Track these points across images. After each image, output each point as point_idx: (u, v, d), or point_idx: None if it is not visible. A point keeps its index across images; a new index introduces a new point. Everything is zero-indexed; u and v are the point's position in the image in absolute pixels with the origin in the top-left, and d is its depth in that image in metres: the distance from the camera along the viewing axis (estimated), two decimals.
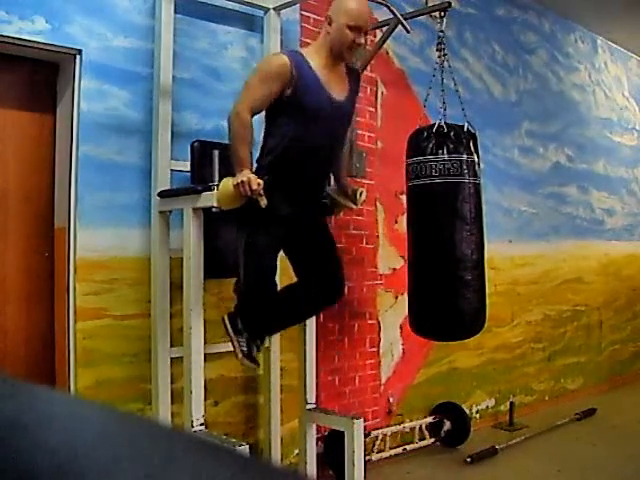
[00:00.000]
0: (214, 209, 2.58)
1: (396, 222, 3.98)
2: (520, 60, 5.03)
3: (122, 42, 2.88)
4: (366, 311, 3.84)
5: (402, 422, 3.94)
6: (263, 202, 2.34)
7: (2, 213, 2.77)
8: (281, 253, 2.70)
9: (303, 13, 3.54)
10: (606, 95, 6.04)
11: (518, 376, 4.82)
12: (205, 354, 2.69)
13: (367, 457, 3.34)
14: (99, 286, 2.79)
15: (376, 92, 3.93)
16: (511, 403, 4.53)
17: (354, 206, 2.87)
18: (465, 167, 2.85)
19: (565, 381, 5.32)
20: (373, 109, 3.89)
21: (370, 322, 3.87)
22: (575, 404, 4.82)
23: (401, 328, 3.98)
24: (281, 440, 3.21)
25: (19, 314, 2.79)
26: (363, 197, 2.82)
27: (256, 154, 2.62)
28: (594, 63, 5.92)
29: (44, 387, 0.40)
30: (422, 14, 3.47)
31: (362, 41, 2.53)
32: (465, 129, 2.91)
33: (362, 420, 2.98)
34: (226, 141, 2.56)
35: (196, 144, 2.94)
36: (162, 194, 2.80)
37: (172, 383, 2.83)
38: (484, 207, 3.02)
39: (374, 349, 3.88)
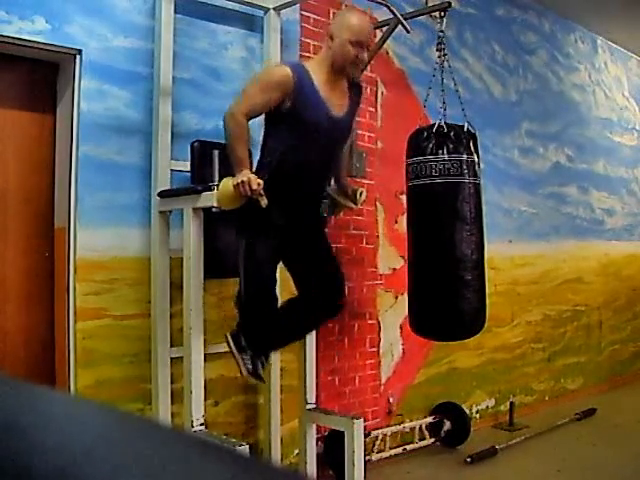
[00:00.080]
0: (214, 209, 2.58)
1: (396, 222, 3.98)
2: (520, 60, 5.03)
3: (122, 42, 2.88)
4: (366, 311, 3.84)
5: (402, 422, 3.94)
6: (263, 202, 2.34)
7: (2, 213, 2.77)
8: (281, 265, 2.70)
9: (303, 13, 3.54)
10: (606, 95, 6.04)
11: (518, 376, 4.82)
12: (205, 354, 2.69)
13: (367, 457, 3.34)
14: (99, 286, 2.79)
15: (376, 92, 3.93)
16: (511, 403, 4.53)
17: (354, 206, 2.87)
18: (465, 167, 2.85)
19: (565, 381, 5.32)
20: (373, 109, 3.89)
21: (370, 322, 3.87)
22: (575, 404, 4.82)
23: (401, 328, 3.98)
24: (281, 440, 3.21)
25: (19, 314, 2.79)
26: (363, 197, 2.82)
27: (256, 153, 2.62)
28: (594, 63, 5.92)
29: (44, 387, 0.40)
30: (422, 14, 3.47)
31: (365, 57, 2.53)
32: (465, 129, 2.91)
33: (362, 420, 2.98)
34: None
35: (196, 144, 2.94)
36: (162, 194, 2.80)
37: (172, 383, 2.83)
38: (484, 207, 3.02)
39: (374, 349, 3.88)
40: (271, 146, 2.51)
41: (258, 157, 2.58)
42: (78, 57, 2.77)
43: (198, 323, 2.64)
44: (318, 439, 3.30)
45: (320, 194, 2.69)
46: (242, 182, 2.31)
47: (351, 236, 3.75)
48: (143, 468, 0.33)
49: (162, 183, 2.84)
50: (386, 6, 3.20)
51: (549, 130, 5.28)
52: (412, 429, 3.94)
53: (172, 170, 2.91)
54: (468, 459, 3.69)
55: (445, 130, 2.87)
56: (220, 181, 2.51)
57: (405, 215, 3.16)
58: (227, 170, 2.55)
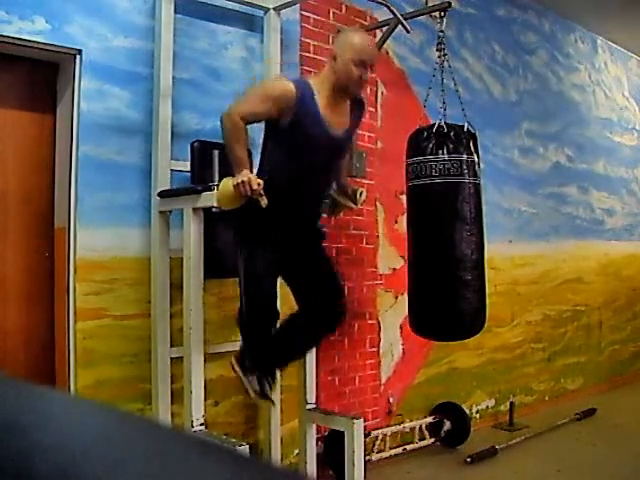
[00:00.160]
0: (214, 209, 2.58)
1: (396, 222, 3.98)
2: (520, 60, 5.03)
3: (122, 42, 2.88)
4: (366, 311, 3.84)
5: (402, 422, 3.94)
6: (263, 202, 2.34)
7: (2, 213, 2.77)
8: (281, 280, 2.70)
9: (303, 13, 3.54)
10: (606, 95, 6.04)
11: (518, 376, 4.82)
12: (205, 354, 2.69)
13: (367, 457, 3.34)
14: (99, 286, 2.79)
15: (376, 92, 3.93)
16: (511, 403, 4.53)
17: (354, 206, 2.87)
18: (465, 167, 2.85)
19: (565, 381, 5.32)
20: (373, 109, 3.89)
21: (370, 322, 3.87)
22: (575, 404, 4.82)
23: (401, 328, 3.98)
24: (281, 440, 3.21)
25: (19, 314, 2.79)
26: (363, 197, 2.82)
27: (256, 154, 2.62)
28: (594, 63, 5.92)
29: (44, 387, 0.40)
30: (422, 14, 3.47)
31: (368, 76, 2.52)
32: (465, 129, 2.91)
33: (362, 420, 2.98)
34: None
35: (196, 144, 2.94)
36: (162, 194, 2.80)
37: (172, 383, 2.82)
38: (484, 207, 3.02)
39: (374, 349, 3.88)
40: (268, 158, 2.51)
41: (258, 160, 2.58)
42: (78, 57, 2.77)
43: (198, 323, 2.64)
44: (318, 439, 3.30)
45: (317, 208, 2.70)
46: (242, 182, 2.31)
47: (351, 236, 3.75)
48: (143, 468, 0.33)
49: (162, 183, 2.84)
50: (386, 6, 3.21)
51: (549, 130, 5.28)
52: (412, 429, 3.94)
53: (172, 170, 2.91)
54: (468, 459, 3.69)
55: (445, 130, 2.87)
56: (220, 181, 2.51)
57: (405, 215, 3.16)
58: (227, 170, 2.55)
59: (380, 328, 3.92)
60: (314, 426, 3.17)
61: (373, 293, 3.89)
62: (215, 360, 2.99)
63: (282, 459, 3.25)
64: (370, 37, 2.60)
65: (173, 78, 2.91)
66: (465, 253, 2.87)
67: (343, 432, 2.96)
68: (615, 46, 6.17)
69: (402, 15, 3.20)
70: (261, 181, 2.33)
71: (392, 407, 3.96)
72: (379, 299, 3.92)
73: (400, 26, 3.19)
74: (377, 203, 3.91)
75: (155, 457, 0.34)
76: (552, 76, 5.36)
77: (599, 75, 5.97)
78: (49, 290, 2.86)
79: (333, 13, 3.68)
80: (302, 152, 2.46)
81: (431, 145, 2.87)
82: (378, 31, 3.72)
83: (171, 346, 2.83)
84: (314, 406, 3.16)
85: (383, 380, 3.93)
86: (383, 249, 3.95)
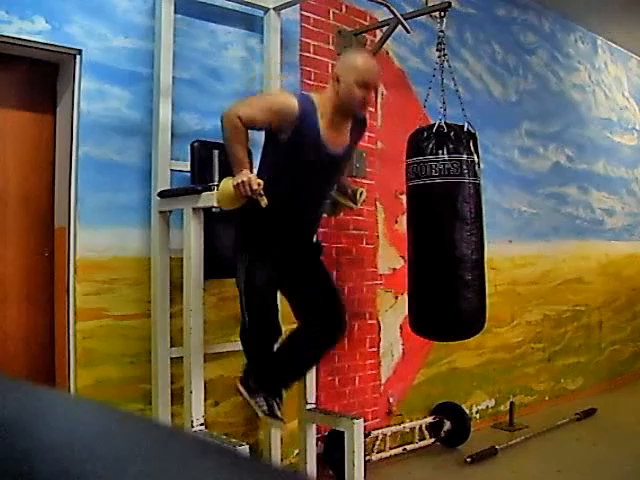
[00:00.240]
0: (214, 209, 2.58)
1: (396, 222, 3.98)
2: (520, 60, 5.03)
3: (122, 42, 2.88)
4: (366, 311, 3.84)
5: (402, 422, 3.94)
6: (263, 202, 2.34)
7: (2, 213, 2.77)
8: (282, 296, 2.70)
9: (303, 13, 3.54)
10: (606, 95, 6.04)
11: (518, 376, 4.82)
12: (205, 354, 2.69)
13: (367, 457, 3.34)
14: (99, 286, 2.79)
15: (376, 92, 3.93)
16: (511, 403, 4.53)
17: (354, 206, 2.87)
18: (465, 167, 2.85)
19: (565, 381, 5.32)
20: (373, 109, 3.88)
21: (370, 322, 3.87)
22: (575, 404, 4.82)
23: (401, 328, 3.98)
24: (281, 440, 3.21)
25: (19, 314, 2.79)
26: (363, 197, 2.83)
27: (256, 154, 2.62)
28: (594, 63, 5.92)
29: (44, 387, 0.41)
30: (422, 14, 3.48)
31: (372, 98, 2.52)
32: (465, 129, 2.91)
33: (362, 420, 2.98)
34: None
35: (196, 144, 2.94)
36: (162, 194, 2.80)
37: (172, 383, 2.82)
38: (484, 207, 3.02)
39: (374, 349, 3.88)
40: (266, 169, 2.50)
41: (258, 163, 2.58)
42: (78, 57, 2.77)
43: (198, 323, 2.64)
44: (318, 439, 3.30)
45: (314, 223, 2.70)
46: (242, 182, 2.31)
47: (351, 236, 3.75)
48: (143, 468, 0.33)
49: (162, 183, 2.84)
50: (386, 6, 3.21)
51: (549, 130, 5.28)
52: (412, 429, 3.94)
53: (172, 170, 2.91)
54: (468, 459, 3.69)
55: (445, 130, 2.87)
56: (220, 181, 2.51)
57: (405, 215, 3.16)
58: (227, 170, 2.55)
59: (380, 328, 3.92)
60: (314, 426, 3.17)
61: (373, 293, 3.89)
62: (215, 360, 2.99)
63: (282, 459, 3.25)
64: (373, 58, 2.59)
65: (173, 78, 2.91)
66: (465, 253, 2.87)
67: (343, 432, 2.96)
68: (615, 46, 6.17)
69: (402, 15, 3.20)
70: (261, 181, 2.33)
71: (392, 407, 3.96)
72: (379, 299, 3.92)
73: (400, 26, 3.19)
74: (377, 203, 3.91)
75: (155, 457, 0.34)
76: (552, 76, 5.36)
77: (599, 75, 5.97)
78: (49, 290, 2.85)
79: (333, 13, 3.68)
80: (300, 169, 2.47)
81: (431, 145, 2.87)
82: (378, 31, 3.73)
83: (171, 346, 2.83)
84: (314, 406, 3.16)
85: (383, 380, 3.93)
86: (383, 249, 3.95)
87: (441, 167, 2.84)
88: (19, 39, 2.60)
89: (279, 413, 2.62)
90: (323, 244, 3.40)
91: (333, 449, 3.27)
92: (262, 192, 2.33)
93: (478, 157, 2.94)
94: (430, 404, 4.10)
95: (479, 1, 4.62)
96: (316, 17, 3.59)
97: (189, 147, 2.94)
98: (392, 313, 3.97)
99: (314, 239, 2.80)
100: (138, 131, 2.90)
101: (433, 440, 3.96)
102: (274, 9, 3.25)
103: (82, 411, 0.40)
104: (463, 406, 4.14)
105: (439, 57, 3.07)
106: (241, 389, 2.62)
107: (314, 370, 3.16)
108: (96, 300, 2.77)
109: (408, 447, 3.82)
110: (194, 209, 2.59)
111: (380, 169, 3.88)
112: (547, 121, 5.25)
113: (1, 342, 2.72)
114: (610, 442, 4.07)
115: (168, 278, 2.83)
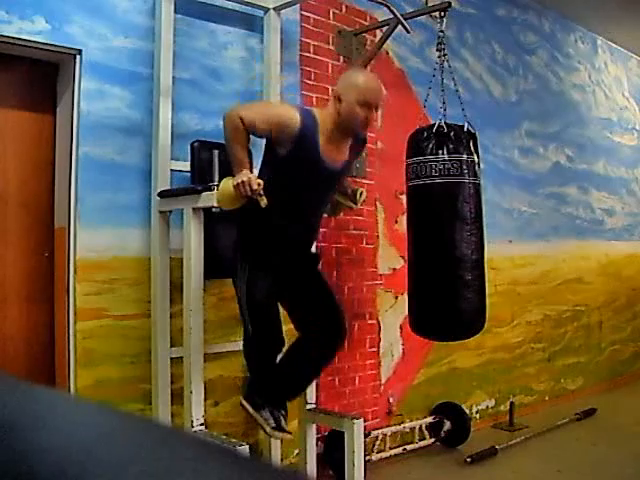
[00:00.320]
0: (214, 209, 2.58)
1: (396, 222, 3.98)
2: (520, 60, 5.03)
3: (122, 42, 2.88)
4: (366, 311, 3.84)
5: (402, 422, 3.94)
6: (263, 202, 2.34)
7: (2, 213, 2.77)
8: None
9: (303, 13, 3.54)
10: (606, 95, 6.04)
11: (518, 376, 4.82)
12: (205, 354, 2.69)
13: (367, 457, 3.34)
14: (99, 286, 2.79)
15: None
16: (511, 403, 4.53)
17: (354, 206, 2.87)
18: (465, 167, 2.85)
19: (565, 381, 5.32)
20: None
21: (370, 322, 3.87)
22: (575, 404, 4.82)
23: (401, 328, 3.98)
24: (281, 440, 3.21)
25: (19, 314, 2.79)
26: (363, 197, 2.83)
27: (256, 154, 2.62)
28: (594, 63, 5.92)
29: (44, 387, 0.40)
30: (422, 14, 3.47)
31: (374, 117, 2.50)
32: (465, 129, 2.91)
33: (362, 420, 2.98)
34: None
35: (196, 144, 2.94)
36: (162, 194, 2.80)
37: (172, 383, 2.82)
38: (484, 207, 3.02)
39: (374, 349, 3.88)
40: (267, 172, 2.49)
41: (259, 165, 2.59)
42: (78, 57, 2.77)
43: (198, 323, 2.63)
44: (318, 439, 3.30)
45: (312, 234, 2.70)
46: (242, 182, 2.31)
47: (351, 236, 3.75)
48: (143, 468, 0.33)
49: (162, 183, 2.84)
50: (386, 6, 3.20)
51: (549, 130, 5.28)
52: (412, 429, 3.94)
53: (172, 170, 2.91)
54: (468, 459, 3.68)
55: (445, 130, 2.87)
56: (220, 181, 2.51)
57: (405, 215, 3.16)
58: (227, 170, 2.55)
59: (380, 328, 3.92)
60: (314, 426, 3.17)
61: (373, 293, 3.89)
62: (215, 360, 2.99)
63: (282, 459, 3.25)
64: (375, 76, 2.58)
65: (173, 78, 2.91)
66: (465, 253, 2.87)
67: (343, 432, 2.96)
68: (615, 46, 6.17)
69: (402, 15, 3.20)
70: (261, 181, 2.33)
71: (392, 407, 3.96)
72: (379, 299, 3.92)
73: (400, 26, 3.19)
74: (377, 203, 3.91)
75: (155, 457, 0.34)
76: (552, 76, 5.36)
77: (599, 75, 5.97)
78: (49, 290, 2.85)
79: (333, 13, 3.68)
80: (298, 183, 2.47)
81: (431, 145, 2.87)
82: (378, 31, 3.73)
83: (171, 346, 2.83)
84: (314, 406, 3.16)
85: (383, 380, 3.93)
86: (383, 249, 3.95)
87: (441, 167, 2.84)
88: (19, 39, 2.60)
89: (285, 426, 2.60)
90: (323, 244, 3.41)
91: (333, 449, 3.27)
92: (262, 192, 2.33)
93: (478, 157, 2.95)
94: (430, 404, 4.10)
95: (479, 1, 4.62)
96: (316, 17, 3.59)
97: (189, 147, 2.94)
98: (392, 313, 3.97)
99: (312, 249, 2.80)
100: (138, 131, 2.90)
101: (433, 440, 3.96)
102: (274, 9, 3.25)
103: (82, 411, 0.40)
104: (463, 406, 4.14)
105: (439, 57, 3.07)
106: (246, 405, 2.60)
107: None
108: (96, 300, 2.77)
109: (408, 447, 3.82)
110: (194, 209, 2.59)
111: (380, 169, 3.88)
112: (547, 121, 5.25)
113: (1, 342, 2.72)
114: (610, 442, 4.07)
115: (168, 278, 2.83)
